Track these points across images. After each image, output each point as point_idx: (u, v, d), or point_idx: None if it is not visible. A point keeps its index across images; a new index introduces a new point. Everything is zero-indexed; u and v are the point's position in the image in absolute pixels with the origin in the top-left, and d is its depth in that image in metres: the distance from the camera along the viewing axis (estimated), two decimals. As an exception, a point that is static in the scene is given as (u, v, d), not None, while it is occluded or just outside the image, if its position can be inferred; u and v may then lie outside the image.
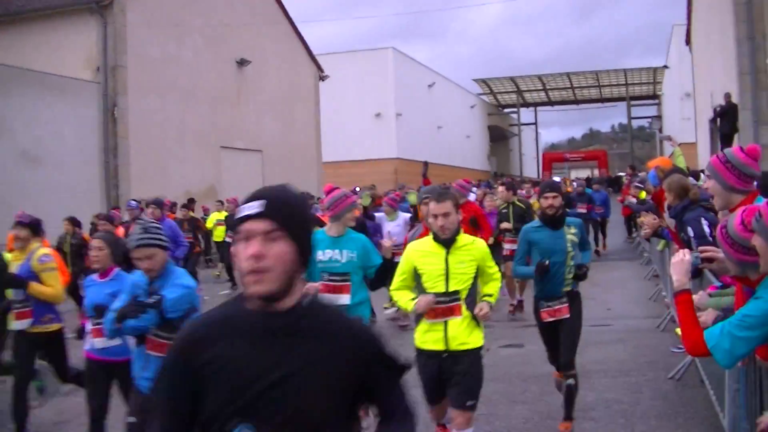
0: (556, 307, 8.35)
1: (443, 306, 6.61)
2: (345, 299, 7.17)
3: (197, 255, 21.91)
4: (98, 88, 27.32)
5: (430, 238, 6.83)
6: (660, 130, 73.95)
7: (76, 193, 25.20)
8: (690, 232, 8.24)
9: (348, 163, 55.30)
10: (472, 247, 6.78)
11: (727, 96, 24.08)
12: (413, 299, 6.73)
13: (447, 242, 6.64)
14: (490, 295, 6.92)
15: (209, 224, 24.32)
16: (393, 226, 14.77)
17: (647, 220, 11.64)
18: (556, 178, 45.56)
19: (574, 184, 30.53)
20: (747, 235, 4.18)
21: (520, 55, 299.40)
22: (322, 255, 7.29)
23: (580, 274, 8.38)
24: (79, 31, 27.72)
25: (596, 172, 78.78)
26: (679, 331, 11.13)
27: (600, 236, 26.33)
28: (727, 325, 4.28)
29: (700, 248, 5.25)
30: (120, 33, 27.67)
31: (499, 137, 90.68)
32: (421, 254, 6.82)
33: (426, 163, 31.96)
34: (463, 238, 6.78)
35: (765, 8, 23.07)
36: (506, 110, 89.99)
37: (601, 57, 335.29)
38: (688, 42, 38.46)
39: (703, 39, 33.16)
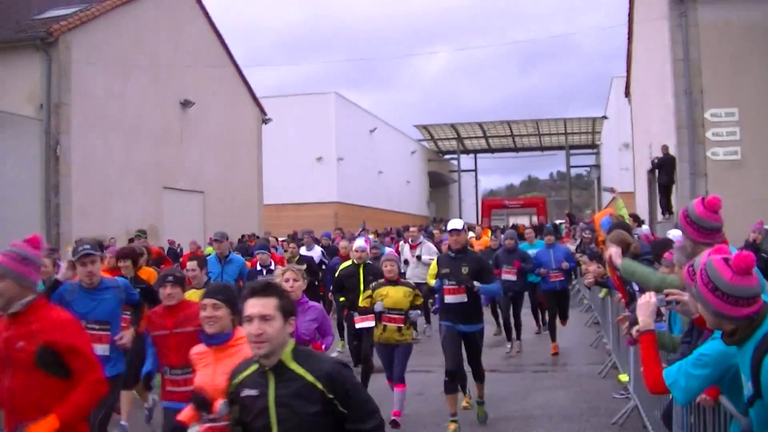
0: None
1: None
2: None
3: None
4: (41, 125, 27.04)
5: None
6: (598, 179, 75.03)
7: (16, 228, 24.78)
8: (635, 285, 8.45)
9: (289, 206, 55.26)
10: None
11: (665, 148, 24.58)
12: None
13: None
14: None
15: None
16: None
17: (591, 268, 11.85)
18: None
19: (500, 236, 20.41)
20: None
21: (465, 104, 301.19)
22: None
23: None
24: (23, 66, 27.47)
25: (534, 219, 79.48)
26: (622, 377, 11.35)
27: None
28: (684, 364, 4.43)
29: (667, 290, 5.39)
30: (64, 70, 27.46)
31: (439, 183, 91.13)
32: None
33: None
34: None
35: (702, 64, 23.64)
36: (446, 156, 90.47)
37: (543, 107, 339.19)
38: (627, 94, 39.15)
39: (641, 92, 33.78)
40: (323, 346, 8.23)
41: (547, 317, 18.00)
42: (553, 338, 16.31)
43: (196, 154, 36.07)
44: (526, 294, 17.82)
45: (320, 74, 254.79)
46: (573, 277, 22.52)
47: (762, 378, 3.88)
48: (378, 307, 10.50)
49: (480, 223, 73.27)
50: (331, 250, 21.52)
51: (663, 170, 24.70)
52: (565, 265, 16.85)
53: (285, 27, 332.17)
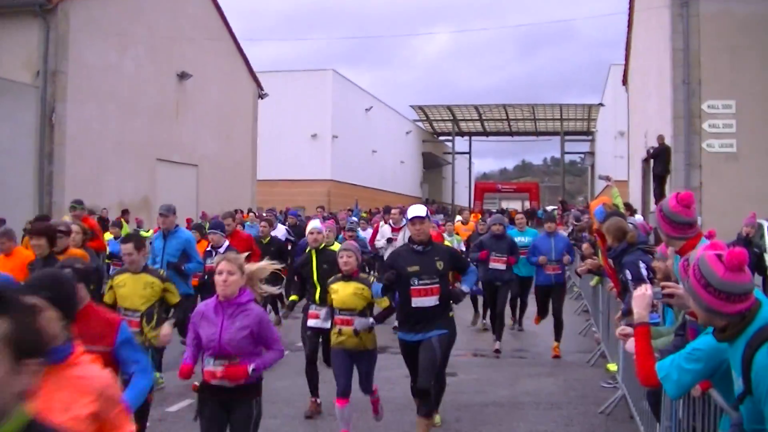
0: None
1: None
2: None
3: None
4: (37, 92, 26.95)
5: None
6: (592, 166, 75.03)
7: (8, 197, 24.83)
8: (628, 274, 8.49)
9: (282, 182, 55.19)
10: None
11: (661, 138, 24.60)
12: None
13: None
14: None
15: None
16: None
17: (587, 252, 11.91)
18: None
19: (487, 220, 21.82)
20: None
21: (463, 86, 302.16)
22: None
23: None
24: (21, 33, 27.34)
25: (527, 204, 79.51)
26: (610, 366, 11.40)
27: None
28: (677, 358, 4.45)
29: (663, 283, 5.42)
30: (62, 38, 27.35)
31: (433, 164, 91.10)
32: None
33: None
34: None
35: (701, 54, 23.65)
36: (441, 138, 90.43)
37: (540, 92, 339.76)
38: (624, 82, 39.14)
39: (639, 80, 33.78)
40: (251, 368, 6.25)
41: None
42: (558, 338, 14.64)
43: (192, 127, 35.99)
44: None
45: (321, 51, 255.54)
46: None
47: (752, 374, 3.90)
48: (360, 325, 8.90)
49: (472, 206, 73.47)
50: (298, 230, 20.84)
51: (658, 160, 24.74)
52: (566, 258, 15.26)
53: (285, 2, 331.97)
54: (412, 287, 8.50)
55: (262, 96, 43.21)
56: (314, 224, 11.26)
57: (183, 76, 34.84)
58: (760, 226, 17.52)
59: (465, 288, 8.87)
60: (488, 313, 17.02)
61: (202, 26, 36.64)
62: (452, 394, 11.09)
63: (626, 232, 9.04)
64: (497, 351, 14.47)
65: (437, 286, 8.52)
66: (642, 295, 5.02)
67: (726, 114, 23.47)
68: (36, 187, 26.82)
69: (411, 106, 79.79)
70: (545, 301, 15.28)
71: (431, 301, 8.49)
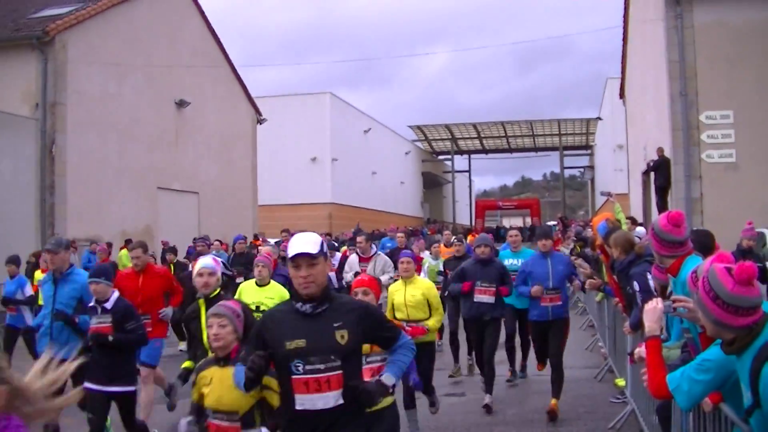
0: None
1: None
2: None
3: None
4: (36, 124, 27.06)
5: None
6: (592, 180, 75.08)
7: (11, 229, 24.89)
8: (636, 286, 8.50)
9: (283, 207, 55.24)
10: None
11: (660, 150, 24.61)
12: None
13: None
14: None
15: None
16: None
17: (587, 272, 11.90)
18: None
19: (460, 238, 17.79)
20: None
21: (462, 105, 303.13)
22: None
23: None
24: (19, 66, 27.48)
25: (528, 220, 79.54)
26: (618, 382, 11.37)
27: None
28: (688, 369, 4.48)
29: (674, 297, 5.43)
30: (60, 70, 27.47)
31: (433, 184, 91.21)
32: None
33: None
34: None
35: (698, 66, 23.69)
36: (440, 157, 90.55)
37: (538, 108, 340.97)
38: (621, 95, 39.20)
39: (636, 93, 33.82)
40: None
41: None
42: (556, 394, 11.25)
43: (191, 154, 36.08)
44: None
45: (321, 74, 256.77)
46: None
47: (761, 387, 3.92)
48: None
49: (474, 224, 73.52)
50: (247, 259, 16.84)
51: (659, 172, 24.74)
52: (575, 285, 12.03)
53: (286, 27, 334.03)
54: (293, 376, 4.87)
55: (260, 121, 43.31)
56: (204, 262, 8.14)
57: (181, 103, 34.93)
58: (762, 236, 17.44)
59: (387, 380, 5.14)
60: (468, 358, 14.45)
61: (199, 53, 36.76)
62: (462, 414, 11.10)
63: (634, 243, 9.07)
64: (487, 407, 11.33)
65: (337, 373, 4.86)
66: (653, 308, 5.05)
67: (724, 124, 23.46)
68: (38, 219, 26.88)
69: (409, 126, 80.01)
70: (543, 342, 11.86)
71: (329, 399, 4.84)
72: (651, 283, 8.27)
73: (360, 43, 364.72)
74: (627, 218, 15.81)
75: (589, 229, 21.65)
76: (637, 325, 8.66)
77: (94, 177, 29.02)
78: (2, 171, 25.63)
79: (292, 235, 7.45)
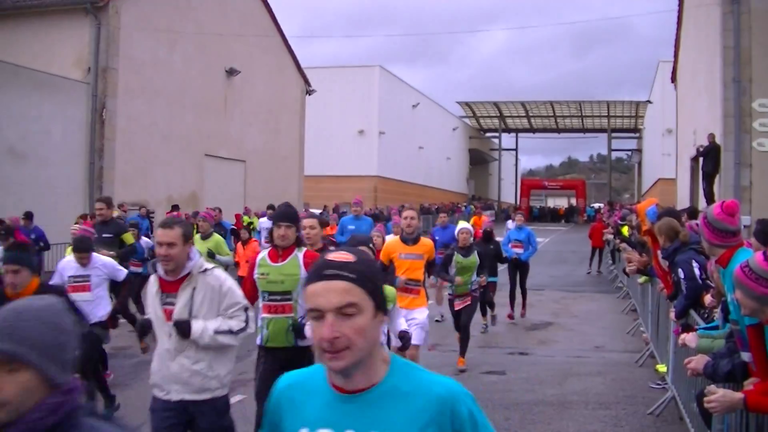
0: None
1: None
2: None
3: None
4: (88, 88, 27.26)
5: None
6: (639, 164, 74.58)
7: (58, 191, 25.18)
8: (680, 273, 8.44)
9: (328, 178, 55.41)
10: None
11: (711, 136, 24.29)
12: None
13: None
14: None
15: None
16: None
17: (634, 256, 11.83)
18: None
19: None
20: None
21: (514, 86, 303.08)
22: None
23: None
24: (72, 30, 27.66)
25: (574, 201, 79.25)
26: (660, 367, 11.32)
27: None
28: None
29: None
30: (113, 35, 27.65)
31: (479, 161, 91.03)
32: None
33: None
34: None
35: (752, 52, 23.34)
36: (487, 134, 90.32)
37: (590, 91, 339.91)
38: (673, 79, 38.79)
39: (688, 78, 33.44)
40: None
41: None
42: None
43: (239, 122, 36.23)
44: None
45: (378, 48, 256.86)
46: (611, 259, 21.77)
47: None
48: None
49: (518, 203, 73.40)
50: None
51: (708, 158, 24.44)
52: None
53: (347, 1, 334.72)
54: None
55: (309, 92, 43.35)
56: None
57: (231, 72, 35.07)
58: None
59: None
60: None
61: (250, 22, 36.84)
62: (501, 393, 11.10)
63: (678, 231, 8.99)
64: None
65: None
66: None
67: (777, 113, 23.15)
68: (85, 181, 27.11)
69: (457, 102, 79.95)
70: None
71: None
72: (696, 271, 8.23)
73: (419, 21, 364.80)
74: (684, 210, 15.63)
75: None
76: (683, 313, 8.62)
77: (141, 142, 29.26)
78: (52, 133, 25.87)
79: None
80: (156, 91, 30.20)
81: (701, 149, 25.19)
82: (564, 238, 52.51)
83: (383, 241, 11.71)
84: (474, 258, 12.53)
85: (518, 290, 18.44)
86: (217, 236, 15.25)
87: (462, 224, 13.20)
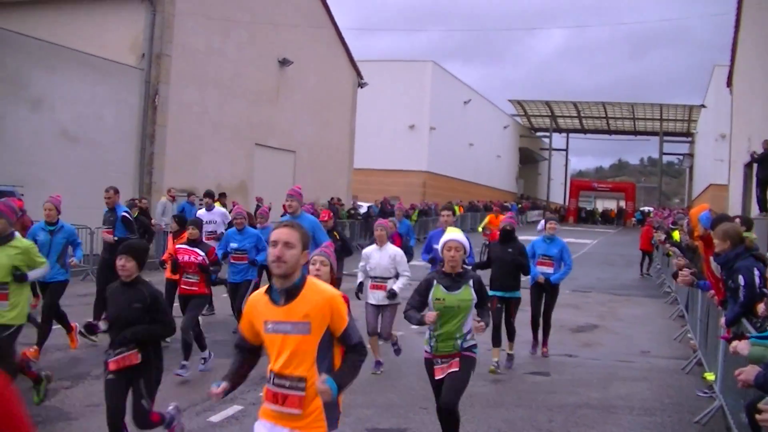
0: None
1: None
2: None
3: None
4: (141, 74, 27.43)
5: None
6: (691, 168, 73.88)
7: (109, 175, 25.25)
8: (741, 280, 8.23)
9: (378, 172, 55.40)
10: None
11: (766, 143, 23.94)
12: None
13: None
14: None
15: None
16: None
17: (682, 262, 11.62)
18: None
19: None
20: None
21: (568, 86, 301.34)
22: None
23: None
24: (128, 16, 27.82)
25: (623, 203, 78.71)
26: (708, 376, 11.13)
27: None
28: None
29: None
30: (167, 22, 27.78)
31: (529, 160, 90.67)
32: None
33: None
34: None
35: (813, 58, 22.99)
36: (538, 134, 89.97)
37: (643, 93, 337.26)
38: (729, 84, 38.29)
39: (745, 82, 33.00)
40: None
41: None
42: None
43: (290, 113, 36.26)
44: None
45: (435, 44, 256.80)
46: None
47: None
48: None
49: (567, 203, 73.03)
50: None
51: (763, 165, 24.07)
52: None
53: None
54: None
55: (361, 85, 43.34)
56: None
57: (284, 62, 35.13)
58: None
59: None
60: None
61: (304, 13, 36.85)
62: (545, 394, 10.98)
63: (743, 236, 8.78)
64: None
65: None
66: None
67: (836, 121, 22.77)
68: (136, 166, 27.28)
69: (509, 100, 79.68)
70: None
71: None
72: (757, 279, 8.04)
73: (477, 17, 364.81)
74: (737, 217, 15.31)
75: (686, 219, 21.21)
76: (734, 321, 8.43)
77: (192, 129, 29.39)
78: (105, 117, 26.05)
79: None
80: (208, 79, 30.31)
81: (756, 155, 24.80)
82: (612, 240, 52.19)
83: (386, 234, 11.68)
84: (466, 294, 7.64)
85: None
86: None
87: (451, 234, 8.02)
